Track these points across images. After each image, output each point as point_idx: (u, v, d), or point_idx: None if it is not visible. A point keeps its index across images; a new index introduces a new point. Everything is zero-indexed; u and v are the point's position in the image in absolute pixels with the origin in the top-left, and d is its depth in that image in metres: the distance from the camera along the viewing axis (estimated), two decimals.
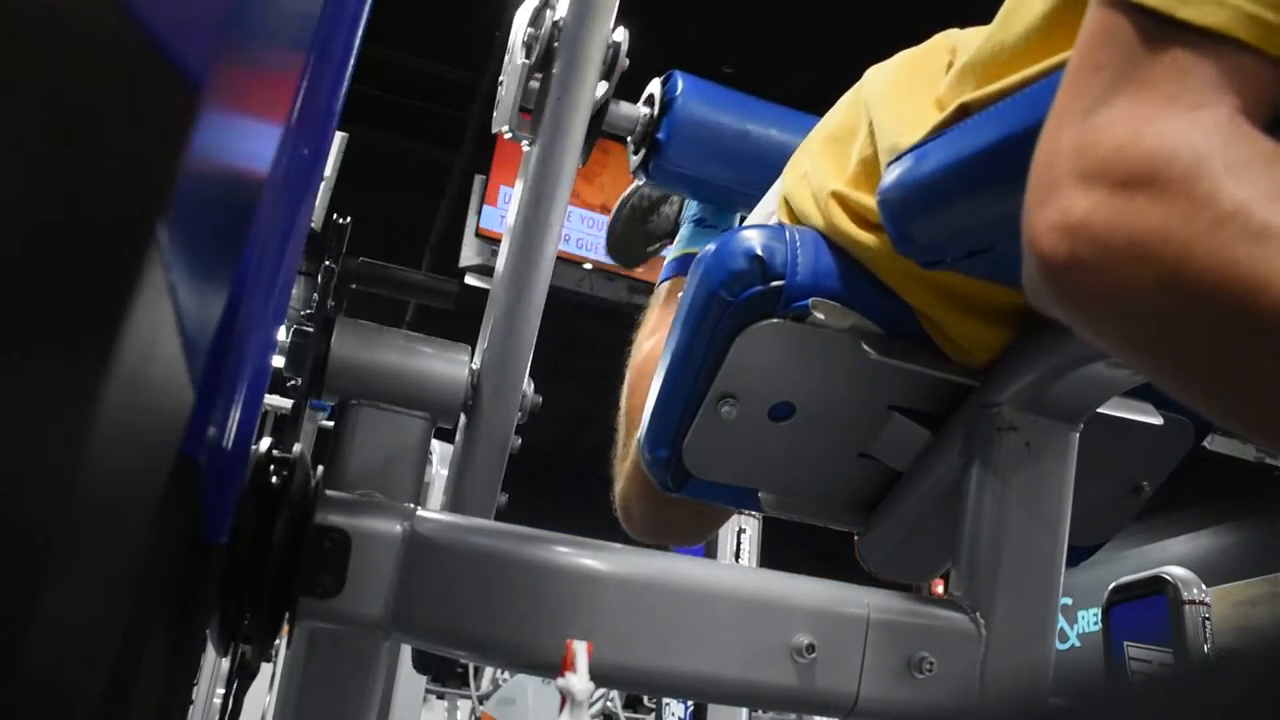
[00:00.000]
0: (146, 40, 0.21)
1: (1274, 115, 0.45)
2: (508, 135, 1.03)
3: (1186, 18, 0.44)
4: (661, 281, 1.27)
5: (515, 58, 1.00)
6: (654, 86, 1.21)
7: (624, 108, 1.17)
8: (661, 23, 5.03)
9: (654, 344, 1.16)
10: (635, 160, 1.22)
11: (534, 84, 1.00)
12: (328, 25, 0.59)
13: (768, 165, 1.07)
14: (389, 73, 5.28)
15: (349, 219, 0.83)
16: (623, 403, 1.19)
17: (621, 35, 1.06)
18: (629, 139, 1.22)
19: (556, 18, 0.97)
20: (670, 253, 1.32)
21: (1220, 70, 0.44)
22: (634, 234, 1.45)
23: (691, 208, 1.33)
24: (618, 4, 0.96)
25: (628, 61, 1.08)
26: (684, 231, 1.32)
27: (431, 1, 4.91)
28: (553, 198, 0.97)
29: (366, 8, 0.73)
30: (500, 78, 1.07)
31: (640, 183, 1.32)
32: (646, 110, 1.19)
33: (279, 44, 0.36)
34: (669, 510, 1.08)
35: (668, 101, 1.18)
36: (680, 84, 1.18)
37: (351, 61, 0.73)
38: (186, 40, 0.22)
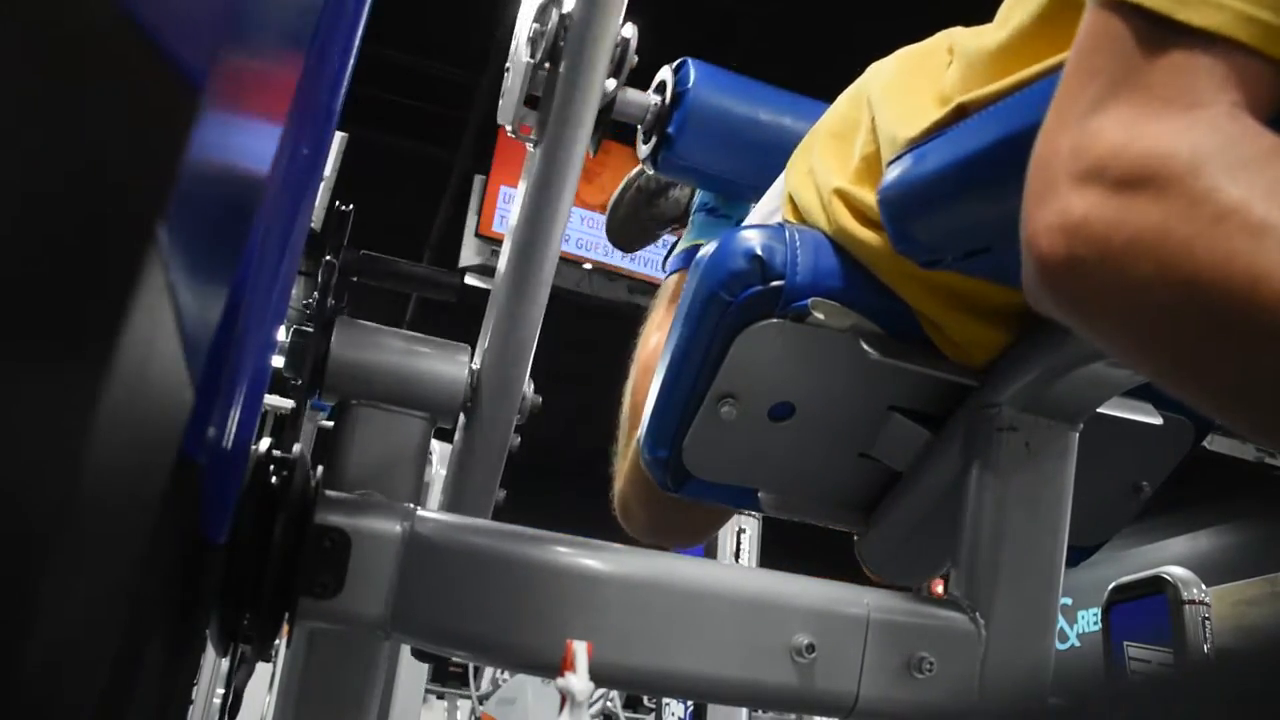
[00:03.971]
0: (146, 40, 0.21)
1: (1273, 114, 0.45)
2: (510, 132, 1.01)
3: (1185, 19, 0.44)
4: (669, 274, 1.24)
5: (521, 54, 0.97)
6: (665, 74, 1.17)
7: (632, 95, 1.14)
8: (661, 22, 5.03)
9: (659, 338, 1.13)
10: (645, 150, 1.18)
11: (540, 77, 0.97)
12: (328, 25, 0.59)
13: (781, 154, 1.03)
14: (389, 73, 5.28)
15: (351, 207, 0.83)
16: (626, 398, 1.17)
17: (630, 31, 1.02)
18: (639, 127, 1.18)
19: (564, 12, 0.94)
20: (680, 244, 1.28)
21: (1218, 71, 0.44)
22: (639, 218, 1.37)
23: (702, 196, 1.29)
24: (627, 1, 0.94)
25: (636, 58, 1.05)
26: (695, 220, 1.28)
27: (431, 1, 4.91)
28: (559, 196, 0.94)
29: (366, 8, 0.73)
30: (505, 68, 1.04)
31: (646, 169, 1.26)
32: (657, 98, 1.15)
33: (279, 44, 0.36)
34: (669, 510, 1.08)
35: (679, 93, 1.14)
36: (693, 73, 1.14)
37: (351, 61, 0.73)
38: (186, 40, 0.22)
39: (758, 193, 1.08)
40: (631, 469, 1.08)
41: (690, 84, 1.14)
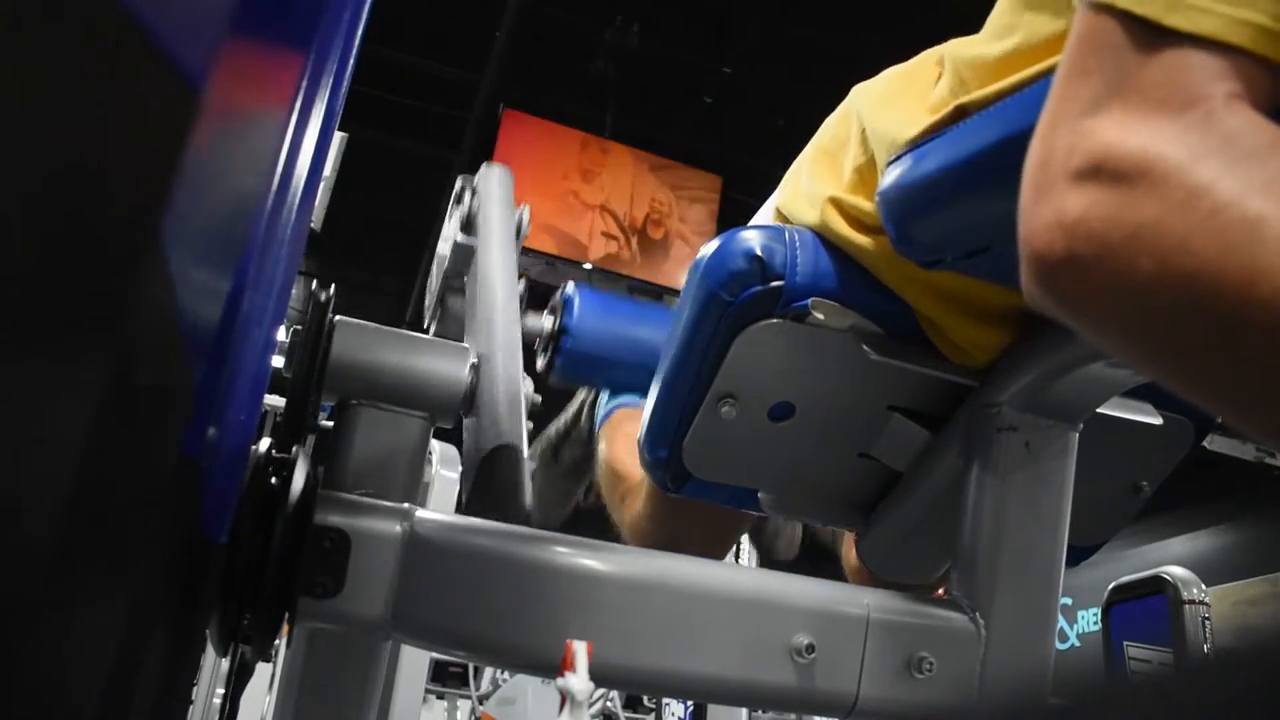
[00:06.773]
0: (146, 40, 0.21)
1: (1266, 113, 0.45)
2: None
3: (1174, 25, 0.44)
4: (605, 420, 1.32)
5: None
6: (555, 298, 1.34)
7: (531, 319, 1.34)
8: (662, 23, 5.04)
9: (628, 431, 1.20)
10: (542, 362, 1.32)
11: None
12: (328, 25, 0.59)
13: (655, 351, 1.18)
14: (389, 73, 5.27)
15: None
16: (602, 462, 1.23)
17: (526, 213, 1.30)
18: (535, 345, 1.33)
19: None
20: (604, 403, 1.37)
21: (1212, 73, 0.44)
22: (550, 478, 1.46)
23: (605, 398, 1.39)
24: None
25: (529, 229, 1.33)
26: (607, 398, 1.37)
27: (431, 1, 4.91)
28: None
29: (366, 7, 0.73)
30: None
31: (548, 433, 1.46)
32: (550, 318, 1.33)
33: (279, 44, 0.36)
34: (681, 526, 1.08)
35: (565, 301, 1.32)
36: (576, 295, 1.34)
37: (351, 61, 0.73)
38: (186, 40, 0.22)
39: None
40: (643, 498, 1.10)
41: (575, 298, 1.34)
